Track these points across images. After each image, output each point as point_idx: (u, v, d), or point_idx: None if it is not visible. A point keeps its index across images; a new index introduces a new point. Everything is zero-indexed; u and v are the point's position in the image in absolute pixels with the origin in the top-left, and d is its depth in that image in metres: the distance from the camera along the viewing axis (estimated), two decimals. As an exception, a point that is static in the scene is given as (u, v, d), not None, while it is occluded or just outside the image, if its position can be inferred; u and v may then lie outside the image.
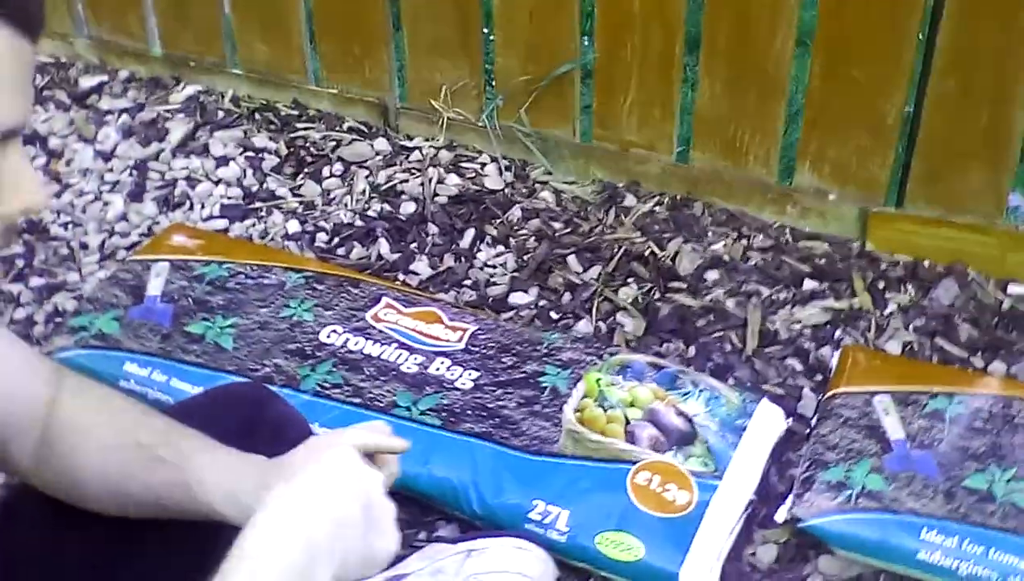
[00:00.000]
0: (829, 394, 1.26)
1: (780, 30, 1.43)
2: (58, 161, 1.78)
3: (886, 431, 1.19)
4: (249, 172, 1.74)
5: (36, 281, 1.53)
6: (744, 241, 1.54)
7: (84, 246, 1.61)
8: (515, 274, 1.51)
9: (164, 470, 0.74)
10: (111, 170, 1.76)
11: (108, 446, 0.75)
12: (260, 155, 1.76)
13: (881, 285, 1.46)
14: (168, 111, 1.87)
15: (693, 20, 1.51)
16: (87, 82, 1.95)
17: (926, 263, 1.48)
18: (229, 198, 1.69)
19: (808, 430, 1.24)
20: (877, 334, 1.39)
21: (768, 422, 1.22)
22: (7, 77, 0.52)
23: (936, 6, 1.34)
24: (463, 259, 1.54)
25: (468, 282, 1.50)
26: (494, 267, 1.53)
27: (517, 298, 1.47)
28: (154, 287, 1.42)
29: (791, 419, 1.25)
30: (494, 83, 1.67)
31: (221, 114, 1.85)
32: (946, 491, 1.11)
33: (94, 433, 0.76)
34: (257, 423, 0.87)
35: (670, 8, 1.49)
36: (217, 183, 1.72)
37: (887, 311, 1.42)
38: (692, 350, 1.37)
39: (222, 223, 1.64)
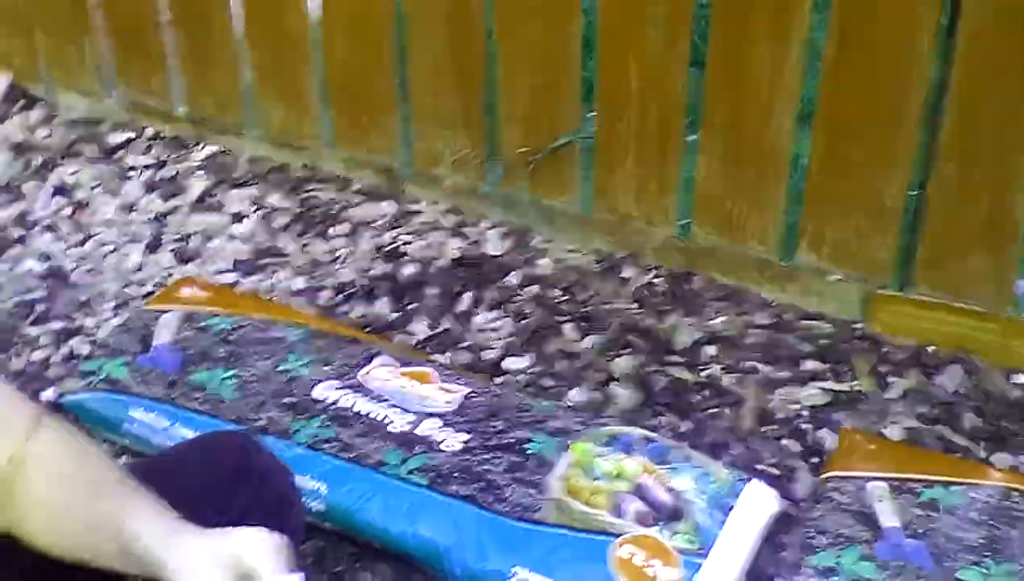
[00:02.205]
0: (823, 477, 1.24)
1: (779, 108, 1.45)
2: (83, 212, 1.84)
3: (879, 518, 1.16)
4: (261, 229, 1.77)
5: (55, 325, 1.57)
6: (744, 317, 1.54)
7: (102, 293, 1.65)
8: (511, 339, 1.51)
9: (105, 505, 0.73)
10: (132, 222, 1.82)
11: (62, 476, 0.76)
12: (272, 213, 1.81)
13: (884, 369, 1.45)
14: (188, 169, 1.93)
15: (692, 95, 1.54)
16: (115, 138, 2.02)
17: (931, 348, 1.47)
18: (241, 253, 1.73)
19: (800, 513, 1.22)
20: (878, 419, 1.37)
21: (759, 503, 1.19)
22: None
23: (939, 89, 1.35)
24: (460, 322, 1.55)
25: (464, 344, 1.51)
26: (490, 331, 1.53)
27: (512, 363, 1.47)
28: (163, 336, 1.44)
29: (784, 501, 1.23)
30: (497, 151, 1.71)
31: (238, 173, 1.90)
32: (937, 582, 1.08)
33: (54, 464, 0.76)
34: (245, 471, 0.88)
35: (669, 83, 1.52)
36: (230, 238, 1.76)
37: (889, 395, 1.40)
38: (686, 425, 1.36)
39: (233, 277, 1.67)
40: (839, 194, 1.47)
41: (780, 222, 1.54)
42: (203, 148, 1.97)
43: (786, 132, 1.47)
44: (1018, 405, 1.37)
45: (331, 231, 1.76)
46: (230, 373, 1.37)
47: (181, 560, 0.69)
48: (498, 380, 1.43)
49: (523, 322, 1.54)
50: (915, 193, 1.44)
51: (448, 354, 1.49)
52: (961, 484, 1.19)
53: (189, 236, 1.77)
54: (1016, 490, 1.18)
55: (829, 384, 1.42)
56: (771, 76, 1.44)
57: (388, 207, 1.80)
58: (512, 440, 1.25)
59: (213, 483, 0.84)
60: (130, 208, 1.84)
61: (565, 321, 1.53)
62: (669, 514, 1.15)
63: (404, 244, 1.71)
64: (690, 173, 1.57)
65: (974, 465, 1.27)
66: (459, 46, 1.66)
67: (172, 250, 1.74)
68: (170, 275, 1.68)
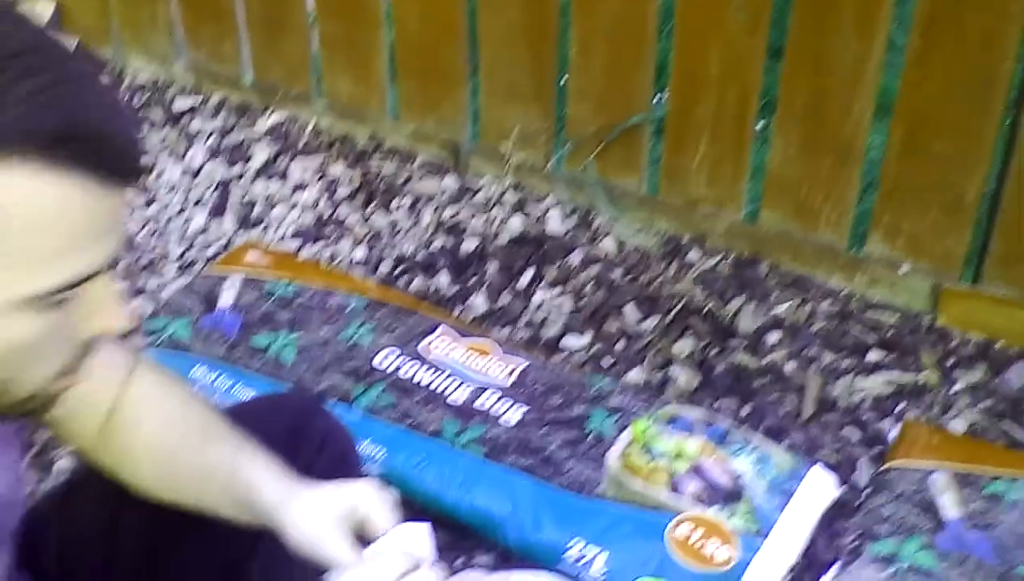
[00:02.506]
0: (885, 466, 1.22)
1: (859, 98, 1.43)
2: (148, 175, 1.88)
3: (941, 509, 1.14)
4: (324, 199, 1.79)
5: (119, 285, 1.60)
6: (809, 305, 1.52)
7: (165, 256, 1.68)
8: (570, 317, 1.51)
9: (217, 450, 0.75)
10: (196, 187, 1.85)
11: (167, 420, 0.77)
12: (335, 184, 1.82)
13: (950, 362, 1.42)
14: (254, 136, 1.95)
15: (770, 81, 1.52)
16: (181, 104, 2.06)
17: (999, 344, 1.43)
18: (303, 222, 1.75)
19: (860, 501, 1.20)
20: (942, 412, 1.34)
21: (818, 488, 1.18)
22: (84, 229, 0.49)
23: (1022, 86, 1.32)
24: (520, 298, 1.56)
25: (523, 321, 1.51)
26: (550, 309, 1.53)
27: (570, 341, 1.47)
28: (226, 298, 1.47)
29: (843, 488, 1.22)
30: (565, 129, 1.70)
31: (303, 143, 1.92)
32: (999, 575, 1.06)
33: (156, 408, 0.78)
34: (305, 432, 0.89)
35: (747, 68, 1.50)
36: (293, 207, 1.78)
37: (954, 389, 1.38)
38: (746, 410, 1.35)
39: (294, 244, 1.69)
40: (916, 185, 1.44)
41: (852, 211, 1.51)
42: (269, 116, 1.99)
43: (864, 121, 1.44)
44: (1088, 405, 1.34)
45: (393, 203, 1.77)
46: (291, 337, 1.39)
47: (299, 512, 0.70)
48: (557, 358, 1.43)
49: (583, 301, 1.53)
50: (992, 188, 1.41)
51: (507, 330, 1.49)
52: (1027, 481, 1.17)
53: (252, 203, 1.80)
54: (1085, 490, 1.16)
55: (893, 375, 1.40)
56: (852, 64, 1.41)
57: (450, 182, 1.80)
58: (571, 416, 1.25)
59: (271, 443, 0.84)
60: (195, 173, 1.88)
61: (626, 302, 1.52)
62: (728, 495, 1.15)
63: (465, 219, 1.72)
64: (763, 158, 1.55)
65: (1041, 462, 1.24)
66: (533, 21, 1.65)
67: (235, 215, 1.77)
68: (233, 240, 1.71)
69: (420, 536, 0.67)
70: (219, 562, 0.81)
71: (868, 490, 1.21)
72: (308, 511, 0.70)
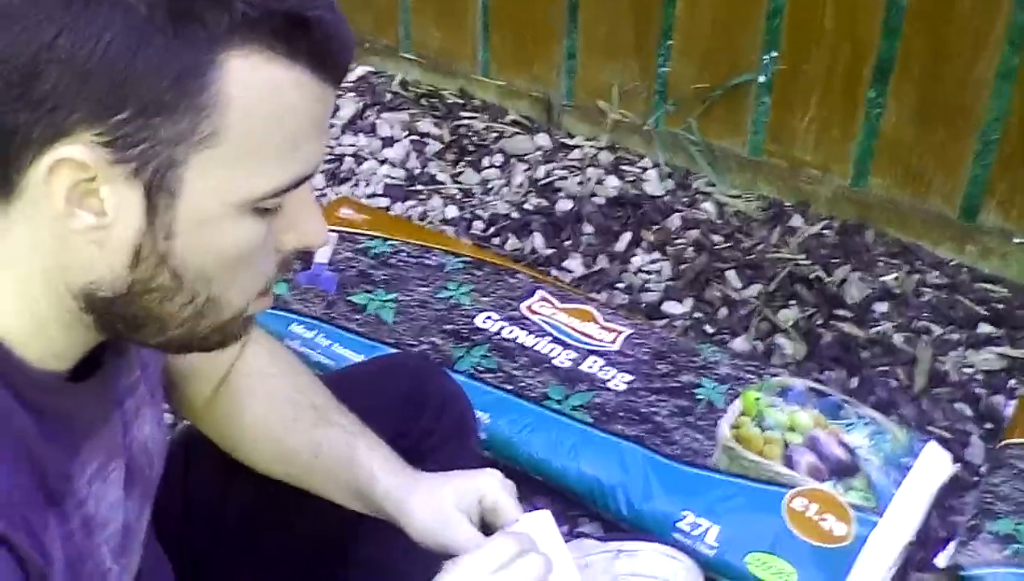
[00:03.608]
0: (1003, 443, 1.19)
1: (980, 61, 1.36)
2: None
3: (1067, 491, 1.11)
4: (413, 155, 1.78)
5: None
6: (917, 275, 1.47)
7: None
8: (670, 282, 1.48)
9: (331, 432, 0.75)
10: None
11: (280, 396, 0.77)
12: (424, 140, 1.80)
13: (1063, 338, 1.37)
14: (340, 88, 1.93)
15: (887, 42, 1.45)
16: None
17: (1115, 320, 1.38)
18: (392, 178, 1.74)
19: (976, 478, 1.18)
20: (1055, 388, 1.30)
21: (934, 465, 1.16)
22: (307, 125, 0.49)
23: None
24: (617, 261, 1.53)
25: (621, 285, 1.49)
26: (649, 273, 1.51)
27: (671, 307, 1.45)
28: (322, 255, 1.47)
29: (957, 465, 1.19)
30: (665, 88, 1.66)
31: (390, 96, 1.90)
32: None
33: (270, 382, 0.78)
34: (423, 395, 0.88)
35: (864, 27, 1.44)
36: (382, 163, 1.77)
37: (1068, 366, 1.33)
38: (855, 381, 1.32)
39: (384, 201, 1.69)
40: (1037, 152, 1.38)
41: (965, 179, 1.46)
42: (355, 68, 1.97)
43: (985, 87, 1.38)
44: None
45: (484, 161, 1.75)
46: (390, 296, 1.38)
47: (422, 502, 0.71)
48: (658, 323, 1.41)
49: (683, 266, 1.50)
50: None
51: (604, 294, 1.47)
52: None
53: (341, 157, 1.79)
54: None
55: (1005, 349, 1.36)
56: (975, 26, 1.34)
57: (543, 140, 1.77)
58: (679, 384, 1.23)
59: (389, 406, 0.84)
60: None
61: (728, 268, 1.49)
62: (843, 469, 1.13)
63: (559, 179, 1.69)
64: (874, 122, 1.50)
65: None
66: (637, -27, 1.60)
67: (324, 171, 1.76)
68: (323, 196, 1.70)
69: (546, 524, 0.67)
70: (320, 539, 0.81)
71: (985, 467, 1.18)
72: (431, 501, 0.70)
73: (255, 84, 0.46)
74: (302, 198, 0.52)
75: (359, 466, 0.73)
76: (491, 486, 0.70)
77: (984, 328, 1.39)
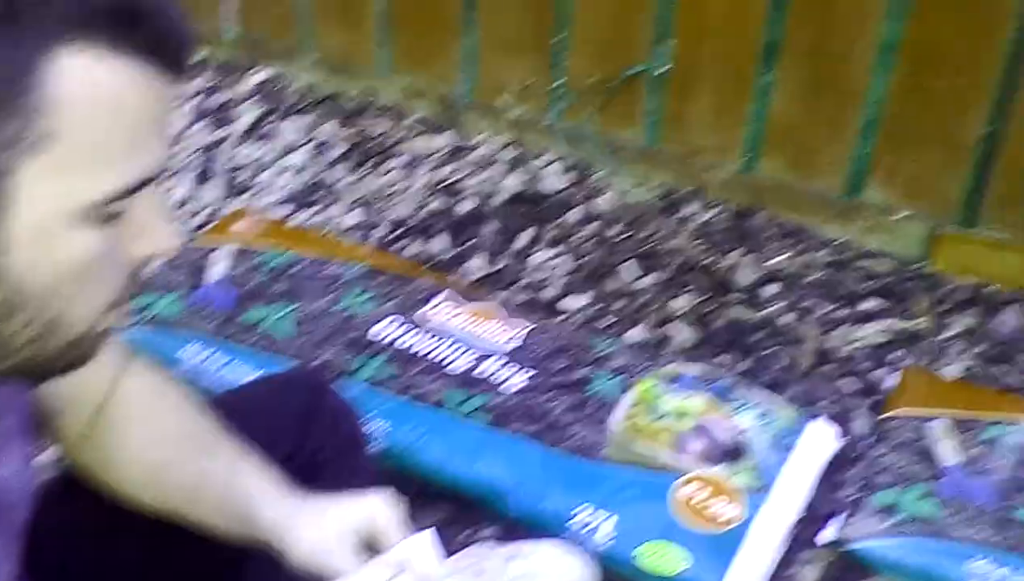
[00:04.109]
0: (884, 416, 1.24)
1: (862, 39, 1.40)
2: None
3: (940, 457, 1.17)
4: (315, 161, 1.77)
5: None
6: (806, 256, 1.52)
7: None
8: (569, 277, 1.51)
9: (214, 462, 0.74)
10: (179, 153, 1.81)
11: (160, 427, 0.76)
12: (326, 144, 1.79)
13: (944, 308, 1.43)
14: (239, 96, 1.91)
15: (774, 26, 1.48)
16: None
17: (992, 288, 1.44)
18: (293, 186, 1.72)
19: (860, 452, 1.22)
20: (937, 358, 1.36)
21: (820, 441, 1.20)
22: (147, 124, 0.47)
23: None
24: (519, 259, 1.55)
25: (523, 282, 1.51)
26: (549, 269, 1.53)
27: (571, 301, 1.47)
28: (216, 271, 1.45)
29: (843, 439, 1.24)
30: (564, 83, 1.67)
31: (291, 101, 1.88)
32: (998, 520, 1.09)
33: (149, 412, 0.76)
34: (315, 412, 0.88)
35: (751, 13, 1.47)
36: (283, 170, 1.76)
37: (949, 335, 1.39)
38: (745, 364, 1.36)
39: (285, 210, 1.67)
40: (915, 128, 1.43)
41: (850, 157, 1.50)
42: (254, 73, 1.94)
43: (866, 64, 1.42)
44: (1082, 347, 1.36)
45: (387, 164, 1.75)
46: (287, 310, 1.37)
47: (304, 527, 0.70)
48: (557, 318, 1.43)
49: (583, 260, 1.53)
50: (992, 129, 1.39)
51: (505, 292, 1.49)
52: (1022, 423, 1.19)
53: (240, 168, 1.77)
54: (1078, 433, 1.18)
55: (888, 323, 1.41)
56: (857, 6, 1.38)
57: (446, 140, 1.78)
58: (576, 379, 1.26)
59: (282, 424, 0.84)
60: (177, 138, 1.84)
61: (625, 259, 1.52)
62: (731, 452, 1.16)
63: (462, 179, 1.70)
64: (764, 105, 1.53)
65: (1035, 406, 1.26)
66: (531, -30, 1.61)
67: (222, 182, 1.74)
68: (220, 209, 1.68)
69: (424, 546, 0.67)
70: (213, 569, 0.80)
71: (868, 441, 1.23)
72: (315, 527, 0.70)
73: (88, 83, 0.44)
74: (149, 203, 0.50)
75: (243, 495, 0.72)
76: (376, 509, 0.70)
77: (870, 303, 1.44)
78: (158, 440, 0.75)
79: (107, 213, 0.47)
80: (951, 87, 1.38)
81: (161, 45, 0.46)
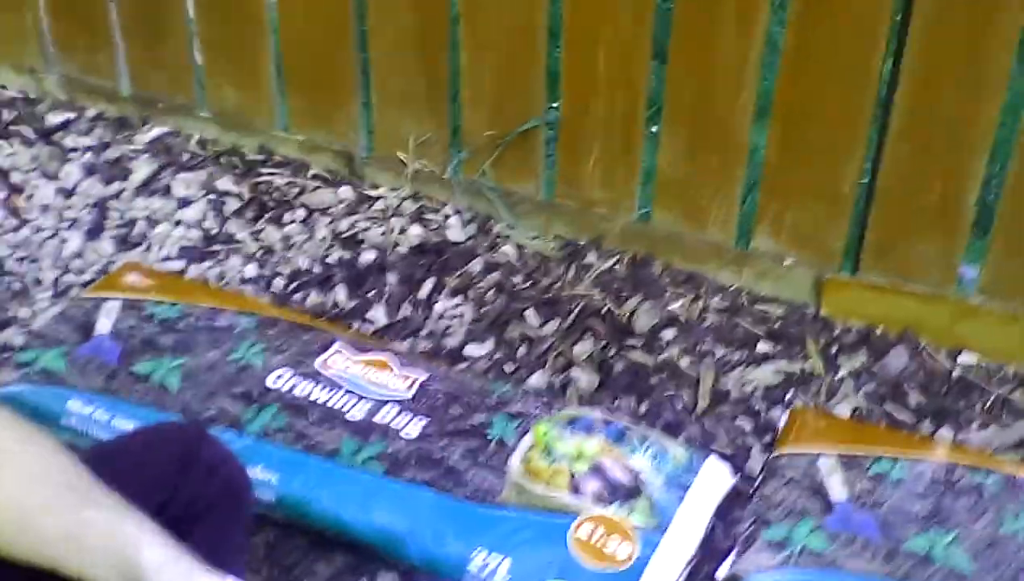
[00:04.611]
0: (775, 454, 1.26)
1: (740, 97, 1.47)
2: (19, 197, 1.78)
3: (829, 492, 1.19)
4: (210, 215, 1.74)
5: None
6: (701, 302, 1.55)
7: (38, 282, 1.60)
8: (472, 325, 1.51)
9: (93, 513, 0.71)
10: (71, 207, 1.76)
11: (34, 477, 0.73)
12: (223, 198, 1.77)
13: (834, 350, 1.48)
14: (133, 151, 1.87)
15: (657, 82, 1.55)
16: (54, 118, 1.96)
17: (879, 330, 1.50)
18: (188, 240, 1.69)
19: (753, 488, 1.24)
20: (828, 397, 1.40)
21: (714, 479, 1.21)
22: None
23: (893, 78, 1.38)
24: (421, 309, 1.54)
25: (424, 332, 1.50)
26: (452, 318, 1.53)
27: (473, 350, 1.46)
28: (103, 325, 1.40)
29: (738, 477, 1.25)
30: (460, 137, 1.70)
31: (186, 156, 1.86)
32: (887, 552, 1.11)
33: (17, 462, 0.73)
34: (191, 461, 0.86)
35: (634, 71, 1.53)
36: (177, 224, 1.72)
37: (839, 375, 1.43)
38: (644, 407, 1.37)
39: (179, 264, 1.63)
40: (796, 180, 1.50)
41: (738, 208, 1.56)
42: (149, 129, 1.91)
43: (746, 120, 1.48)
44: (960, 383, 1.42)
45: (286, 217, 1.73)
46: (176, 363, 1.33)
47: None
48: (459, 367, 1.42)
49: (484, 309, 1.53)
50: (866, 180, 1.47)
51: (408, 342, 1.48)
52: (907, 458, 1.23)
53: (133, 222, 1.72)
54: (959, 464, 1.22)
55: (782, 365, 1.45)
56: (733, 66, 1.45)
57: (346, 193, 1.77)
58: (472, 424, 1.24)
59: (156, 473, 0.83)
60: (69, 192, 1.79)
61: (526, 307, 1.53)
62: (627, 492, 1.16)
63: (363, 230, 1.69)
64: (653, 160, 1.59)
65: (919, 440, 1.31)
66: (423, 28, 1.64)
67: (114, 236, 1.69)
68: (111, 263, 1.63)
69: None
70: None
71: (760, 477, 1.25)
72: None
73: None
74: None
75: (125, 543, 0.70)
76: None
77: (762, 347, 1.48)
78: (32, 484, 0.72)
79: None
80: (826, 141, 1.45)
81: None
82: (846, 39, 1.38)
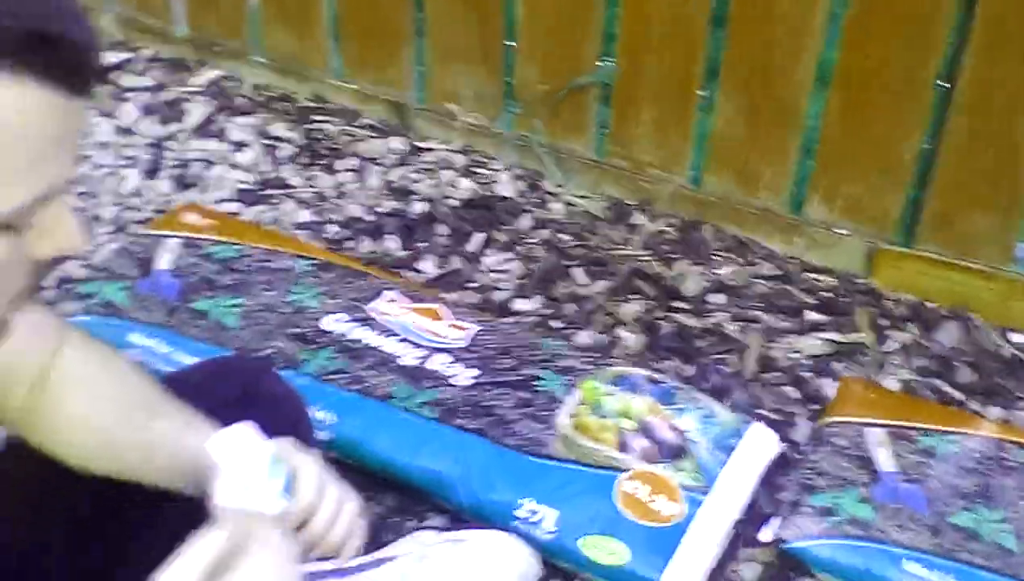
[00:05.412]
0: (823, 422, 1.26)
1: (801, 63, 1.45)
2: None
3: (877, 462, 1.19)
4: (264, 159, 1.75)
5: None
6: (750, 268, 1.55)
7: (97, 217, 1.62)
8: (520, 281, 1.51)
9: (163, 424, 0.74)
10: (129, 146, 1.78)
11: (105, 395, 0.75)
12: (276, 144, 1.78)
13: (884, 322, 1.47)
14: (188, 93, 1.89)
15: (714, 46, 1.53)
16: (110, 58, 1.97)
17: (930, 304, 1.49)
18: (243, 183, 1.70)
19: (799, 456, 1.25)
20: (876, 370, 1.40)
21: (760, 444, 1.22)
22: (49, 144, 0.47)
23: (956, 50, 1.36)
24: (470, 262, 1.55)
25: (473, 285, 1.51)
26: (500, 272, 1.54)
27: (520, 304, 1.47)
28: (163, 261, 1.43)
29: (784, 444, 1.26)
30: (513, 92, 1.69)
31: (240, 100, 1.87)
32: (932, 526, 1.12)
33: (92, 381, 0.76)
34: (256, 396, 0.87)
35: (692, 32, 1.51)
36: (232, 167, 1.73)
37: (888, 348, 1.43)
38: (690, 369, 1.38)
39: (234, 207, 1.65)
40: (853, 149, 1.48)
41: (792, 175, 1.55)
42: (204, 72, 1.92)
43: (804, 88, 1.46)
44: (1012, 362, 1.41)
45: (338, 165, 1.74)
46: (234, 302, 1.36)
47: None
48: (507, 320, 1.43)
49: (533, 265, 1.54)
50: (926, 150, 1.45)
51: (457, 294, 1.49)
52: (956, 434, 1.23)
53: (189, 163, 1.74)
54: (1008, 441, 1.22)
55: (830, 335, 1.45)
56: (793, 33, 1.43)
57: (397, 143, 1.78)
58: (522, 377, 1.26)
59: (223, 406, 0.82)
60: (126, 131, 1.81)
61: (574, 265, 1.53)
62: (673, 452, 1.18)
63: (413, 182, 1.70)
64: (707, 124, 1.57)
65: (969, 416, 1.30)
66: (479, -20, 1.63)
67: (171, 176, 1.71)
68: (169, 201, 1.65)
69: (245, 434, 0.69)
70: (152, 544, 0.79)
71: (807, 445, 1.26)
72: None
73: None
74: (56, 206, 0.50)
75: (191, 455, 0.72)
76: (304, 461, 0.71)
77: (811, 316, 1.47)
78: (104, 403, 0.75)
79: (10, 224, 0.48)
80: (886, 111, 1.43)
81: (69, 68, 0.47)
82: (911, 9, 1.35)
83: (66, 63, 0.47)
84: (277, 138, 1.79)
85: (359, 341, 1.30)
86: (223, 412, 0.84)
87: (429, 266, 1.54)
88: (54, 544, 0.79)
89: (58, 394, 0.75)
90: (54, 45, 0.46)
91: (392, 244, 1.58)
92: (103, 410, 0.74)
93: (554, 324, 1.44)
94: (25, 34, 0.44)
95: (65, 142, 0.49)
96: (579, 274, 1.53)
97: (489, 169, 1.72)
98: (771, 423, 1.28)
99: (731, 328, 1.44)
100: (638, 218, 1.63)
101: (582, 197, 1.67)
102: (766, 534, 1.14)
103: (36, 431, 0.75)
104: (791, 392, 1.36)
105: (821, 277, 1.54)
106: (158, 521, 0.77)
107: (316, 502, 0.70)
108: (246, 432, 0.69)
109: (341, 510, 0.72)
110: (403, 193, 1.68)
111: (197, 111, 1.84)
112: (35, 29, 0.45)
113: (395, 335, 1.31)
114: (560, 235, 1.60)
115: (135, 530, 0.79)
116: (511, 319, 1.44)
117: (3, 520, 0.79)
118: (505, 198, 1.67)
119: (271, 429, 0.88)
